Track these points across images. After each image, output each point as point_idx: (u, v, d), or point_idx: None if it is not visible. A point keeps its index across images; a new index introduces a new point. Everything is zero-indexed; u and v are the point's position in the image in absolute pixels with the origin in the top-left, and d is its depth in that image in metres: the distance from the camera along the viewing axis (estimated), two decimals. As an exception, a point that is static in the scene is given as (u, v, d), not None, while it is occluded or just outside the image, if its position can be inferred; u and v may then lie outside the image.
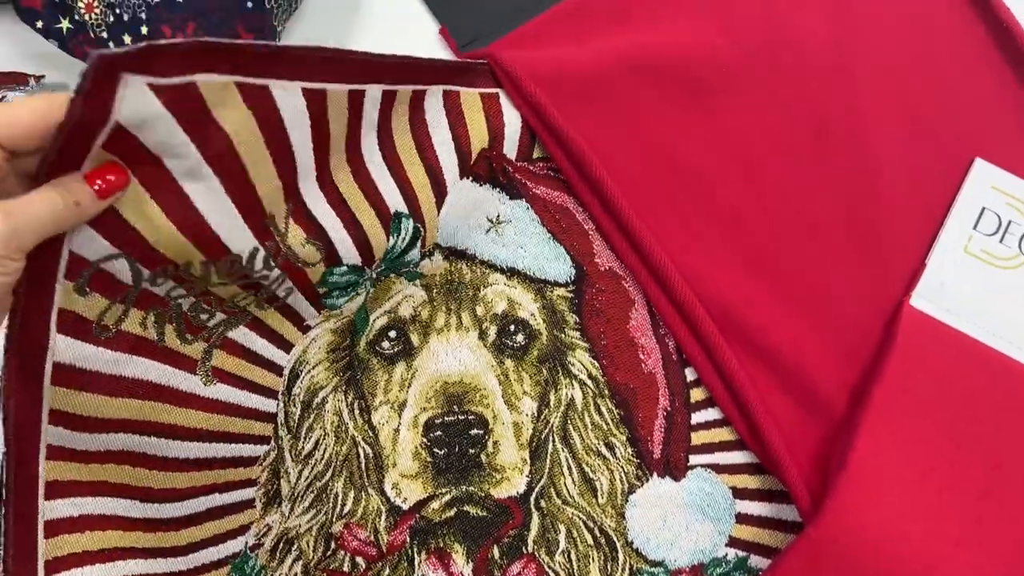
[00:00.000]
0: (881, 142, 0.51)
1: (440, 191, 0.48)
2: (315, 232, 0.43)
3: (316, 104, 0.40)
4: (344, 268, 0.46)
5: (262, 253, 0.42)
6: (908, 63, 0.52)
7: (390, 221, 0.46)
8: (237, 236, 0.40)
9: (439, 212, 0.48)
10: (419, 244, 0.48)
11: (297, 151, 0.40)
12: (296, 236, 0.43)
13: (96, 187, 0.35)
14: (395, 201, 0.47)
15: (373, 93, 0.43)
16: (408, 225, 0.47)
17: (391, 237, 0.47)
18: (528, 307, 0.50)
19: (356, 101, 0.43)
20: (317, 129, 0.41)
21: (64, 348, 0.39)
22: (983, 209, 0.49)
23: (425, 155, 0.48)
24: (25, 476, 0.39)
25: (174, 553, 0.44)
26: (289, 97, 0.39)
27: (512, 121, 0.50)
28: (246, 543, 0.46)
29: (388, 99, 0.45)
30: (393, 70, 0.44)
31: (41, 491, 0.40)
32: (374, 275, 0.48)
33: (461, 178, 0.49)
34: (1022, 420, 0.47)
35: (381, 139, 0.46)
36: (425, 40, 0.54)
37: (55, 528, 0.40)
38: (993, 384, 0.47)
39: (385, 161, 0.47)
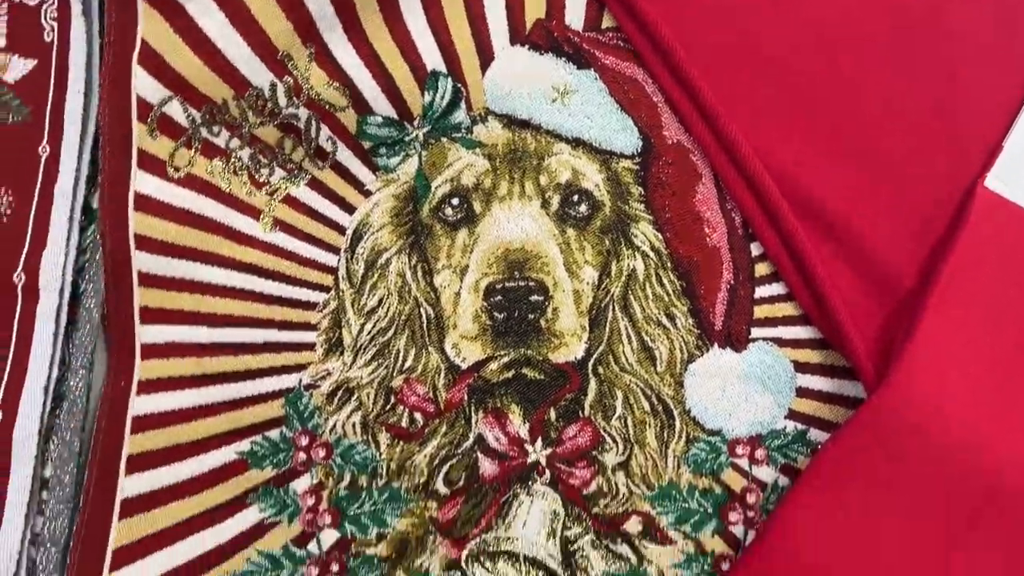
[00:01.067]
0: (962, 21, 0.50)
1: (485, 54, 0.50)
2: (339, 77, 0.49)
3: None
4: (379, 119, 0.50)
5: (281, 87, 0.48)
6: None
7: (425, 78, 0.49)
8: (252, 68, 0.48)
9: (483, 75, 0.50)
10: (463, 105, 0.50)
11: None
12: (319, 77, 0.48)
13: None
14: (433, 60, 0.50)
15: None
16: (446, 84, 0.50)
17: (427, 93, 0.50)
18: (592, 178, 0.51)
19: None
20: None
21: (143, 180, 0.47)
22: (1068, 88, 0.48)
23: (472, 17, 0.50)
24: (123, 301, 0.47)
25: (235, 379, 0.48)
26: None
27: None
28: (300, 380, 0.48)
29: None
30: None
31: (136, 316, 0.47)
32: (421, 135, 0.50)
33: (512, 44, 0.50)
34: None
35: (426, 4, 0.50)
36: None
37: (148, 352, 0.47)
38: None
39: (428, 22, 0.50)
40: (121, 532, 0.46)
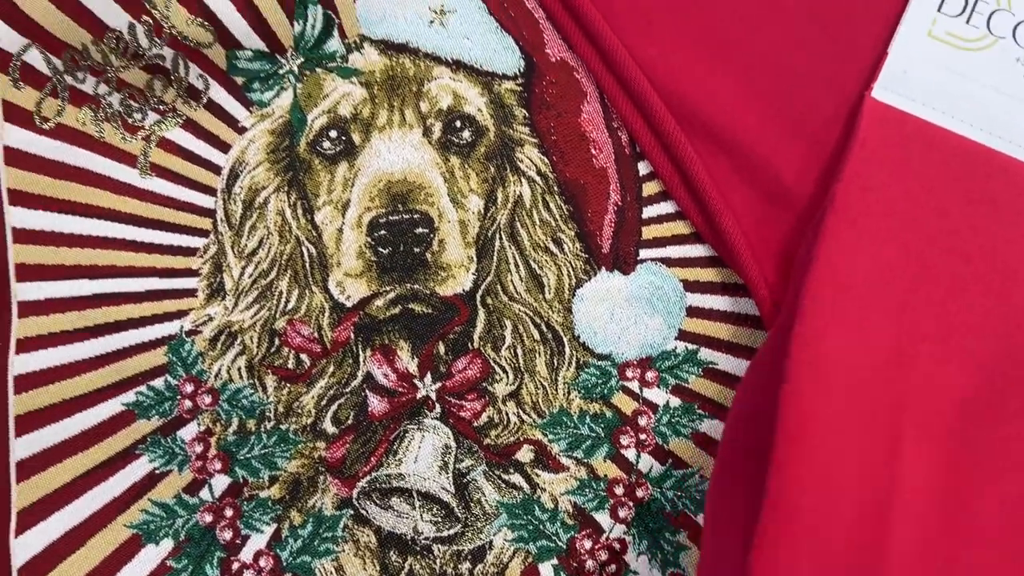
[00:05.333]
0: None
1: None
2: (201, 12, 0.50)
3: None
4: (249, 53, 0.51)
5: (141, 28, 0.49)
6: None
7: (294, 8, 0.51)
8: (107, 10, 0.49)
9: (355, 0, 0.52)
10: (336, 33, 0.52)
11: None
12: (179, 15, 0.49)
13: None
14: None
15: None
16: (316, 12, 0.51)
17: (297, 23, 0.51)
18: (475, 102, 0.53)
19: None
20: None
21: (12, 134, 0.49)
22: (947, -12, 0.50)
23: None
24: None
25: (117, 328, 0.51)
26: None
27: None
28: (182, 327, 0.51)
29: None
30: None
31: (12, 273, 0.50)
32: (295, 68, 0.52)
33: None
34: (992, 207, 0.49)
35: None
36: None
37: (26, 309, 0.50)
38: (963, 172, 0.49)
39: None
40: (21, 495, 0.50)
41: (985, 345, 0.48)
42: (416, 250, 0.51)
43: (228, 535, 0.50)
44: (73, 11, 0.49)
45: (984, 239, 0.49)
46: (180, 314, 0.52)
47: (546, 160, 0.53)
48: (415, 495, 0.50)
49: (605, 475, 0.50)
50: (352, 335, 0.52)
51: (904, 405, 0.46)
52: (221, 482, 0.51)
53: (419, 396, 0.51)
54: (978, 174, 0.50)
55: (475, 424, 0.51)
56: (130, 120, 0.52)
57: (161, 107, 0.53)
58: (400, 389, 0.51)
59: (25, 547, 0.49)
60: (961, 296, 0.48)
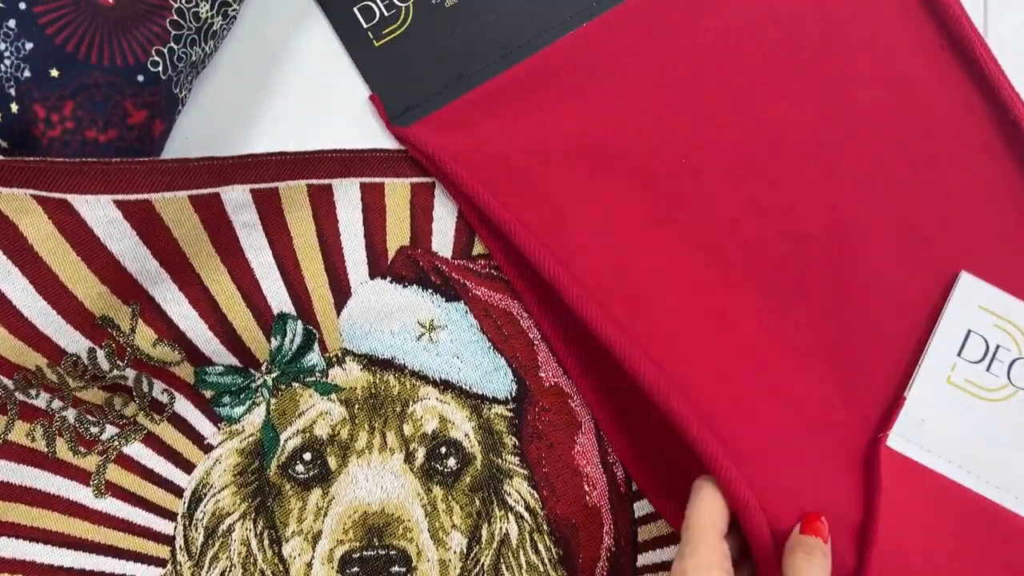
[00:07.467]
0: (866, 250, 0.50)
1: (341, 291, 0.50)
2: (168, 332, 0.48)
3: (139, 214, 0.45)
4: (220, 368, 0.49)
5: (102, 352, 0.47)
6: (901, 158, 0.52)
7: (271, 323, 0.49)
8: (66, 336, 0.46)
9: (339, 314, 0.50)
10: (316, 348, 0.49)
11: (126, 259, 0.46)
12: (145, 336, 0.47)
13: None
14: (280, 302, 0.50)
15: (234, 196, 0.47)
16: (296, 327, 0.50)
17: (274, 338, 0.49)
18: (462, 426, 0.50)
19: (208, 205, 0.47)
20: (151, 237, 0.46)
21: None
22: (969, 332, 0.49)
23: (328, 251, 0.50)
24: None
25: None
26: (96, 209, 0.45)
27: (445, 215, 0.50)
28: None
29: (267, 198, 0.48)
30: (254, 169, 0.48)
31: None
32: (270, 381, 0.49)
33: (373, 278, 0.49)
34: (1009, 572, 0.48)
35: (272, 237, 0.49)
36: (354, 107, 0.53)
37: None
38: (980, 535, 0.48)
39: (276, 260, 0.50)
40: None
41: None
42: (391, 591, 0.49)
43: None
44: (27, 336, 0.46)
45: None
46: (130, 661, 0.48)
47: (536, 495, 0.50)
48: None
49: None
50: None
51: None
52: None
53: None
54: (995, 538, 0.48)
55: None
56: (85, 435, 0.49)
57: (121, 421, 0.50)
58: None
59: None
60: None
